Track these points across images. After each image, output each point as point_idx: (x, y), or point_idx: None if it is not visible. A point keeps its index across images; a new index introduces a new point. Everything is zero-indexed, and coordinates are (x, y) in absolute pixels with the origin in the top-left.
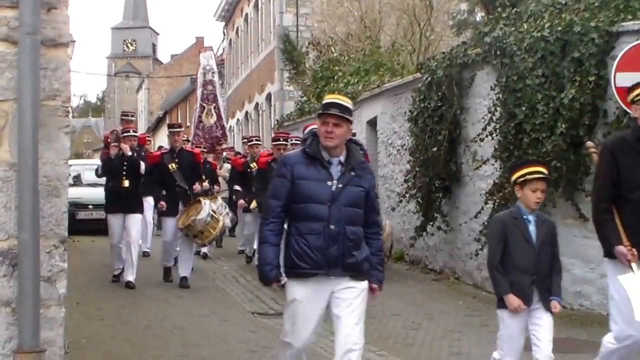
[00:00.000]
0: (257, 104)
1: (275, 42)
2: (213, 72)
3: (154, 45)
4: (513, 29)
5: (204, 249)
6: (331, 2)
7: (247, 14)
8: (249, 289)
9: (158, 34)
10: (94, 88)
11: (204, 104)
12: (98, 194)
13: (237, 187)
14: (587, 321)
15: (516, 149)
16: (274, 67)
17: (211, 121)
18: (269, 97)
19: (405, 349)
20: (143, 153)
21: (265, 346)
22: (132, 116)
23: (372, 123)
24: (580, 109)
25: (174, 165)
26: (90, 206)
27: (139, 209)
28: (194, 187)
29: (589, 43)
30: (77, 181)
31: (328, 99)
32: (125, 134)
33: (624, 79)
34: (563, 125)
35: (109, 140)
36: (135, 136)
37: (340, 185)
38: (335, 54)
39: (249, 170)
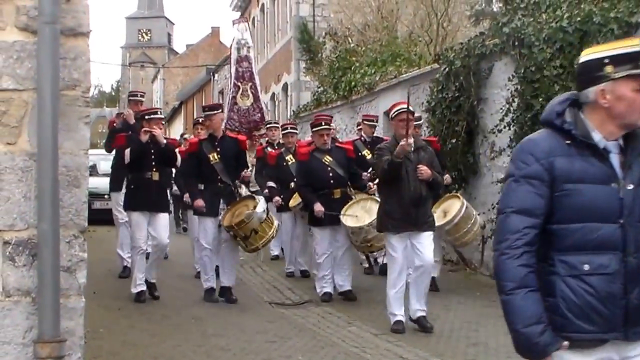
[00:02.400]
0: (273, 94)
1: (292, 32)
2: (249, 47)
3: (169, 35)
4: (531, 19)
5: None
6: None
7: (263, 4)
8: (266, 279)
9: (173, 24)
10: (109, 78)
11: (239, 84)
12: None
13: (271, 184)
14: None
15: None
16: (290, 57)
17: (247, 103)
18: (285, 88)
19: (423, 340)
20: (168, 139)
21: (283, 336)
22: (142, 96)
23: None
24: None
25: (215, 155)
26: (106, 196)
27: (168, 207)
28: (243, 174)
29: (608, 34)
30: (93, 171)
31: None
32: (151, 116)
33: None
34: None
35: (115, 125)
36: (163, 118)
37: (630, 187)
38: (352, 45)
39: (284, 163)
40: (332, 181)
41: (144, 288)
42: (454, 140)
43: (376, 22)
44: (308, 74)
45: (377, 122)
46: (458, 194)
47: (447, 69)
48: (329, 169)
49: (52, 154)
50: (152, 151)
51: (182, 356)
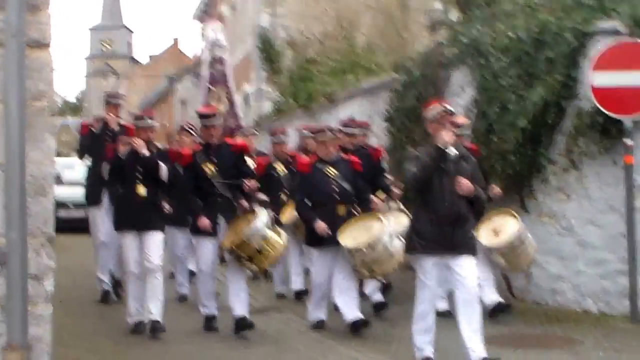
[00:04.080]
0: None
1: (252, 41)
2: (222, 48)
3: (129, 44)
4: (488, 28)
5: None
6: (307, 2)
7: (222, 14)
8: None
9: (132, 32)
10: (73, 89)
11: (213, 88)
12: (78, 192)
13: (261, 196)
14: (562, 317)
15: (485, 148)
16: (251, 67)
17: (222, 109)
18: (246, 97)
19: (384, 347)
20: (161, 149)
21: (245, 343)
22: (122, 99)
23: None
24: (544, 107)
25: (210, 166)
26: (70, 205)
27: (160, 225)
28: (248, 184)
29: (563, 43)
30: (57, 180)
31: None
32: (140, 124)
33: (601, 79)
34: (526, 121)
35: (92, 129)
36: (153, 127)
37: None
38: (311, 54)
39: (274, 173)
40: (336, 196)
41: (142, 318)
42: (412, 149)
43: (335, 32)
44: (269, 83)
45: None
46: (511, 210)
47: (406, 78)
48: (334, 182)
49: (19, 164)
50: (135, 164)
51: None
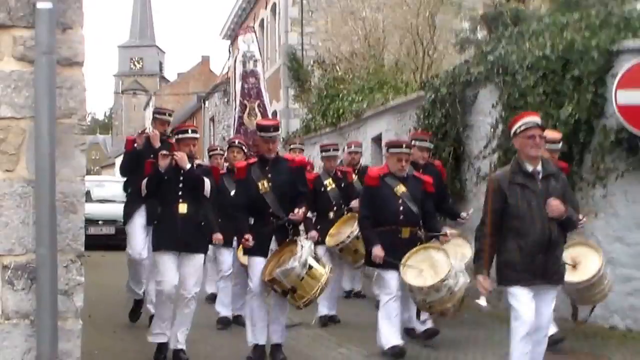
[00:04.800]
0: None
1: (281, 60)
2: (255, 61)
3: (160, 64)
4: (515, 47)
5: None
6: (335, 22)
7: None
8: None
9: (164, 52)
10: (102, 106)
11: (245, 102)
12: (107, 209)
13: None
14: (590, 334)
15: None
16: (279, 85)
17: (254, 123)
18: (274, 115)
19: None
20: (202, 165)
21: None
22: (170, 115)
23: (377, 140)
24: (575, 125)
25: (265, 183)
26: (100, 222)
27: (202, 247)
28: (294, 213)
29: (589, 61)
30: (87, 197)
31: None
32: (181, 135)
33: (625, 97)
34: None
35: (135, 145)
36: (196, 139)
37: None
38: (339, 73)
39: (322, 189)
40: (401, 217)
41: (165, 340)
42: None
43: (363, 51)
44: (297, 101)
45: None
46: (594, 243)
47: (433, 96)
48: (400, 201)
49: (50, 181)
50: (177, 179)
51: None
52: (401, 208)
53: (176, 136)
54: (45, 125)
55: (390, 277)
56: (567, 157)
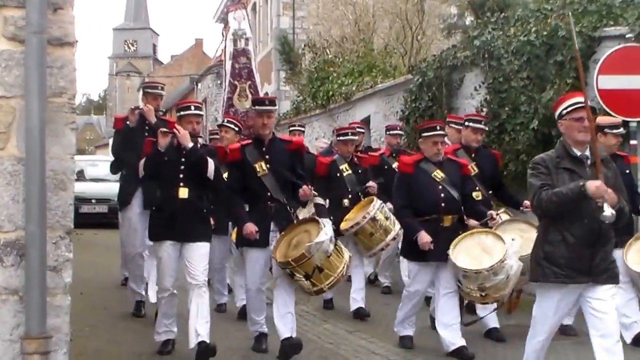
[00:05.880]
0: None
1: (272, 43)
2: (247, 39)
3: (154, 46)
4: (501, 33)
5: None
6: (327, 6)
7: None
8: None
9: (158, 35)
10: (96, 87)
11: (236, 82)
12: (100, 188)
13: (318, 200)
14: None
15: (497, 147)
16: (271, 67)
17: (246, 105)
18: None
19: (395, 337)
20: (207, 145)
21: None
22: (162, 89)
23: (366, 122)
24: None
25: (263, 165)
26: (93, 200)
27: (206, 235)
28: (302, 191)
29: (572, 47)
30: (80, 176)
31: None
32: (183, 112)
33: (605, 82)
34: (537, 122)
35: (127, 123)
36: (200, 115)
37: None
38: (330, 56)
39: (337, 174)
40: (442, 204)
41: (172, 337)
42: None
43: (353, 35)
44: (288, 83)
45: (400, 130)
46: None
47: (420, 80)
48: (440, 187)
49: (40, 159)
50: (179, 160)
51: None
52: (442, 195)
53: (178, 113)
54: (36, 104)
55: (424, 272)
56: (548, 141)
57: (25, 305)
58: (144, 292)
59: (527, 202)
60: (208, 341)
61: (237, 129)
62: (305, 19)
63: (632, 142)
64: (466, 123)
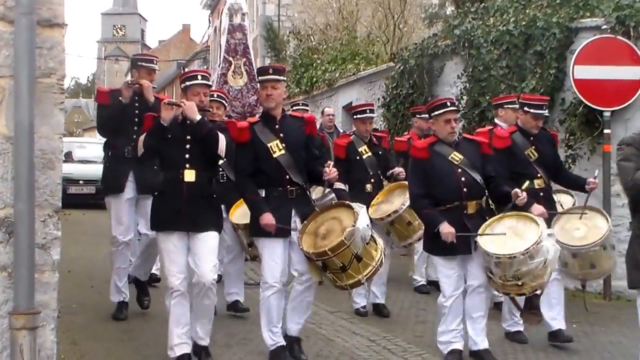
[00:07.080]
0: None
1: (258, 30)
2: (243, 14)
3: (142, 31)
4: (480, 22)
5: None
6: None
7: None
8: None
9: (147, 21)
10: (85, 71)
11: (230, 59)
12: (88, 169)
13: (339, 185)
14: None
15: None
16: (256, 54)
17: (240, 82)
18: None
19: (375, 318)
20: (217, 120)
21: (244, 313)
22: (156, 63)
23: (348, 108)
24: None
25: (278, 144)
26: (80, 181)
27: (216, 224)
28: (327, 171)
29: (550, 37)
30: (68, 158)
31: None
32: (189, 82)
33: (581, 72)
34: None
35: (113, 95)
36: (208, 86)
37: None
38: (314, 43)
39: (356, 157)
40: (465, 190)
41: (187, 350)
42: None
43: (337, 23)
44: None
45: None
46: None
47: (401, 68)
48: (460, 171)
49: (29, 138)
50: (185, 137)
51: (151, 329)
52: (462, 179)
53: (182, 84)
54: (25, 84)
55: (451, 269)
56: None
57: (14, 281)
58: (127, 293)
59: (591, 179)
60: (208, 345)
61: (226, 104)
62: (290, 6)
63: (606, 131)
64: (525, 108)
